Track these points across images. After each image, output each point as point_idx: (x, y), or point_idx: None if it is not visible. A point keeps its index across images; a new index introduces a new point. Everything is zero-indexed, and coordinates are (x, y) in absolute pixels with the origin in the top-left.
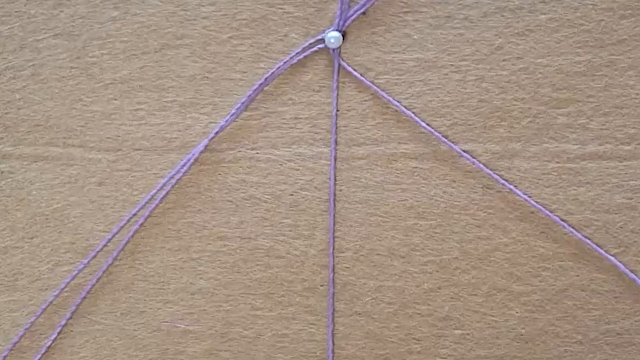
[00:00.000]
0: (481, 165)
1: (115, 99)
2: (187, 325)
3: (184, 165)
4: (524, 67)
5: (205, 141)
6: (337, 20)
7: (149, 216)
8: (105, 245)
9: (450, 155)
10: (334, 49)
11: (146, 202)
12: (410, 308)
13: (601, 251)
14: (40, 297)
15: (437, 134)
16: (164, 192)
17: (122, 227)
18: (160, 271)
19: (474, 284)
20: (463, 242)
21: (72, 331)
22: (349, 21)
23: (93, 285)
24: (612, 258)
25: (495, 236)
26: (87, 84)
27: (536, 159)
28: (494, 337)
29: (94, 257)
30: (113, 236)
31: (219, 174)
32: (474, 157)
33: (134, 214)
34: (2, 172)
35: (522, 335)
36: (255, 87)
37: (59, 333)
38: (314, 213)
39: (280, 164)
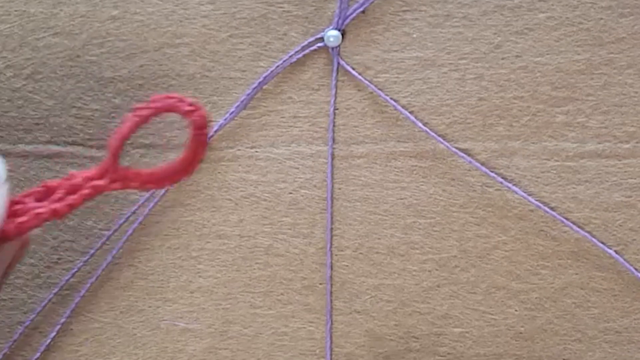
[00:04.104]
0: (478, 164)
1: (115, 98)
2: (187, 323)
3: None
4: (523, 65)
5: None
6: (336, 19)
7: (148, 214)
8: (104, 244)
9: (449, 153)
10: (333, 48)
11: (145, 201)
12: (409, 306)
13: (603, 246)
14: (39, 295)
15: (432, 133)
16: (162, 191)
17: (120, 225)
18: (160, 269)
19: (473, 282)
20: (462, 240)
21: (71, 329)
22: (348, 20)
23: (92, 283)
24: (612, 252)
25: (494, 234)
26: (86, 83)
27: (535, 157)
28: (493, 335)
29: (93, 255)
30: (112, 234)
31: (219, 173)
32: (473, 156)
33: (133, 212)
34: None
35: (521, 333)
36: (254, 85)
37: (58, 331)
38: (313, 211)
39: (280, 163)
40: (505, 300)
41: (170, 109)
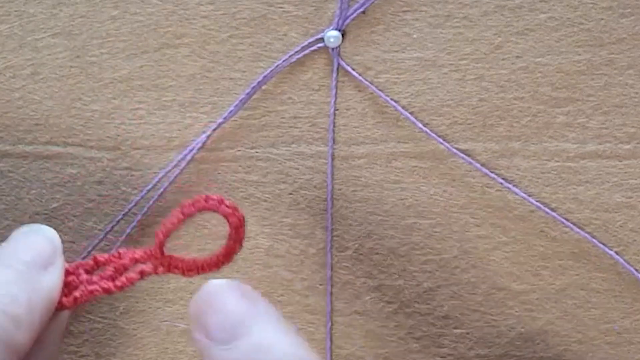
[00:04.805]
0: (478, 165)
1: (115, 98)
2: (187, 324)
3: (179, 162)
4: (523, 66)
5: (203, 138)
6: (336, 20)
7: (147, 214)
8: (102, 242)
9: (450, 154)
10: (333, 48)
11: (140, 199)
12: (409, 307)
13: (604, 247)
14: None
15: (432, 134)
16: (161, 189)
17: (118, 223)
18: None
19: (474, 283)
20: (462, 241)
21: (71, 330)
22: (348, 20)
23: None
24: (613, 253)
25: (494, 235)
26: (86, 83)
27: (536, 158)
28: (493, 336)
29: (87, 256)
30: (106, 235)
31: (219, 173)
32: (473, 156)
33: (129, 211)
34: (2, 171)
35: (521, 334)
36: (253, 85)
37: None
38: (313, 212)
39: (280, 163)
40: (505, 301)
41: (210, 209)
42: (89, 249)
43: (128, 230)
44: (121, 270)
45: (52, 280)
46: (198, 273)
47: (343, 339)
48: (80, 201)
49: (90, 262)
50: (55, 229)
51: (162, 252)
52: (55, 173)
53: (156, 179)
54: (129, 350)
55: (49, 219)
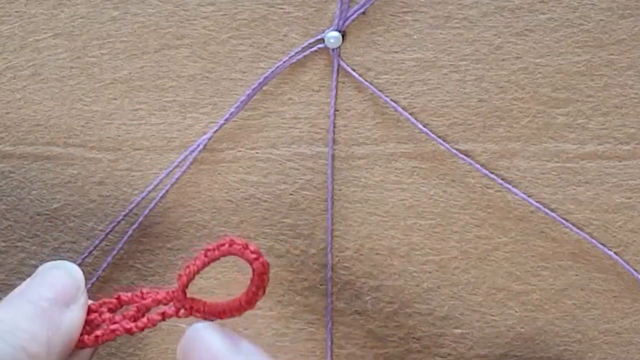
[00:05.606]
0: (478, 166)
1: (115, 99)
2: (188, 324)
3: (179, 164)
4: (523, 66)
5: (204, 140)
6: (336, 20)
7: (148, 215)
8: (103, 243)
9: (450, 155)
10: (333, 49)
11: (141, 200)
12: (409, 307)
13: (603, 248)
14: None
15: (432, 135)
16: (163, 191)
17: (118, 223)
18: (161, 271)
19: (474, 283)
20: (462, 241)
21: None
22: (348, 21)
23: (93, 283)
24: (612, 254)
25: (494, 236)
26: (87, 84)
27: (535, 159)
28: (493, 336)
29: (90, 254)
30: (106, 235)
31: (219, 174)
32: (473, 157)
33: (130, 211)
34: (3, 172)
35: (521, 334)
36: (254, 86)
37: None
38: (313, 212)
39: (280, 164)
40: (505, 302)
41: (235, 254)
42: (90, 249)
43: (129, 232)
44: (143, 310)
45: (73, 318)
46: (220, 317)
47: (343, 339)
48: (81, 202)
49: (114, 300)
50: (56, 229)
51: (184, 295)
52: (56, 174)
53: (158, 180)
54: (129, 350)
55: (50, 220)
